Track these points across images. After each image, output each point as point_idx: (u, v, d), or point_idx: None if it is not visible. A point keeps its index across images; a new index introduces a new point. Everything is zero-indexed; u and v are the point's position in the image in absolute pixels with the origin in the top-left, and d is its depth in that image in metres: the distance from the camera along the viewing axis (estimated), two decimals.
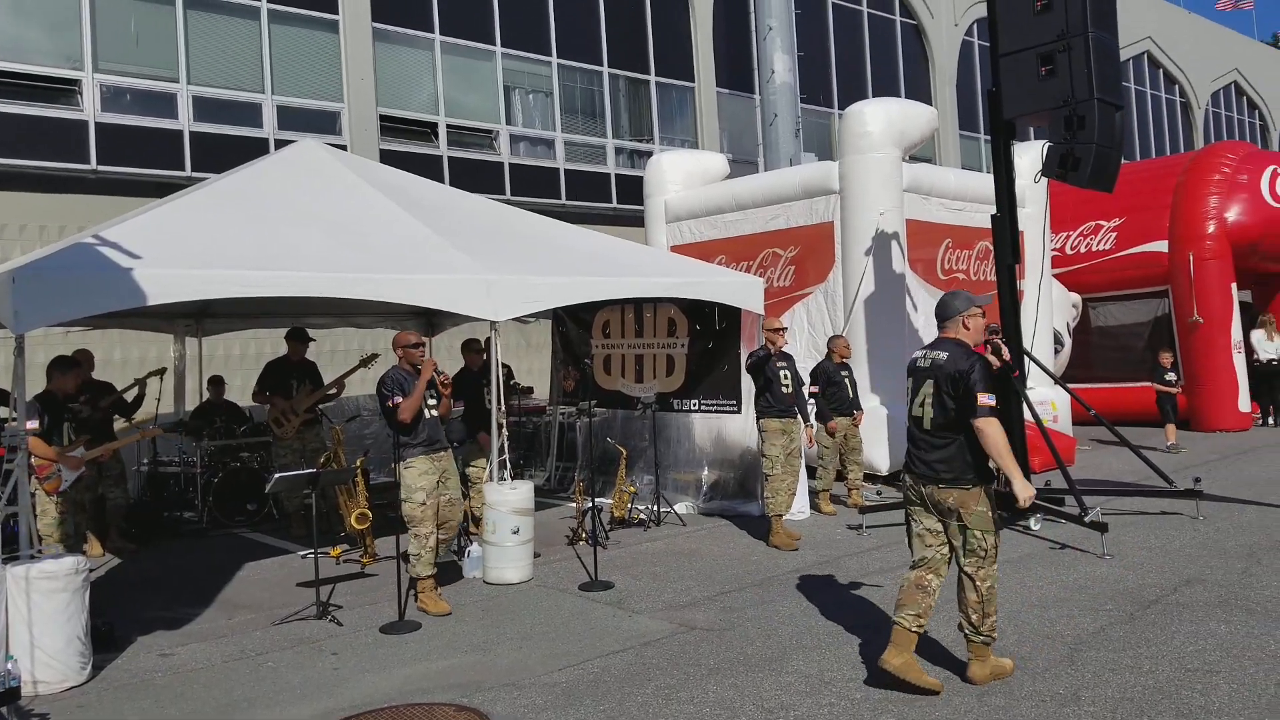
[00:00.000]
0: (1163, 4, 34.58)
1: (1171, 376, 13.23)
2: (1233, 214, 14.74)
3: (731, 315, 9.85)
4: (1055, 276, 14.21)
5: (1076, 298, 15.26)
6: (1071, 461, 11.19)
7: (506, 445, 7.75)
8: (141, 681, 5.50)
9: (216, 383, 10.95)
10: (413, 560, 6.66)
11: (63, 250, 6.64)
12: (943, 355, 4.97)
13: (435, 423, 6.88)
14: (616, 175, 19.78)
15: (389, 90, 16.81)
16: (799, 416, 8.69)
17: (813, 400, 9.76)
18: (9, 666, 5.02)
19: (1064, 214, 15.51)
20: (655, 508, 9.54)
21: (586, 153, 19.51)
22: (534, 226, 9.45)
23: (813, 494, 9.63)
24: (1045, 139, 8.69)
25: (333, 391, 9.93)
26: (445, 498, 6.88)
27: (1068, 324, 14.62)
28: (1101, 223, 15.96)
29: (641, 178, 14.21)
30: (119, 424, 9.50)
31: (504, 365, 10.65)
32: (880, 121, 11.08)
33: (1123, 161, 8.79)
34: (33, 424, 7.28)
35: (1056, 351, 13.59)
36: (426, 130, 17.31)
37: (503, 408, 7.73)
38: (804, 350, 11.28)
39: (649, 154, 18.24)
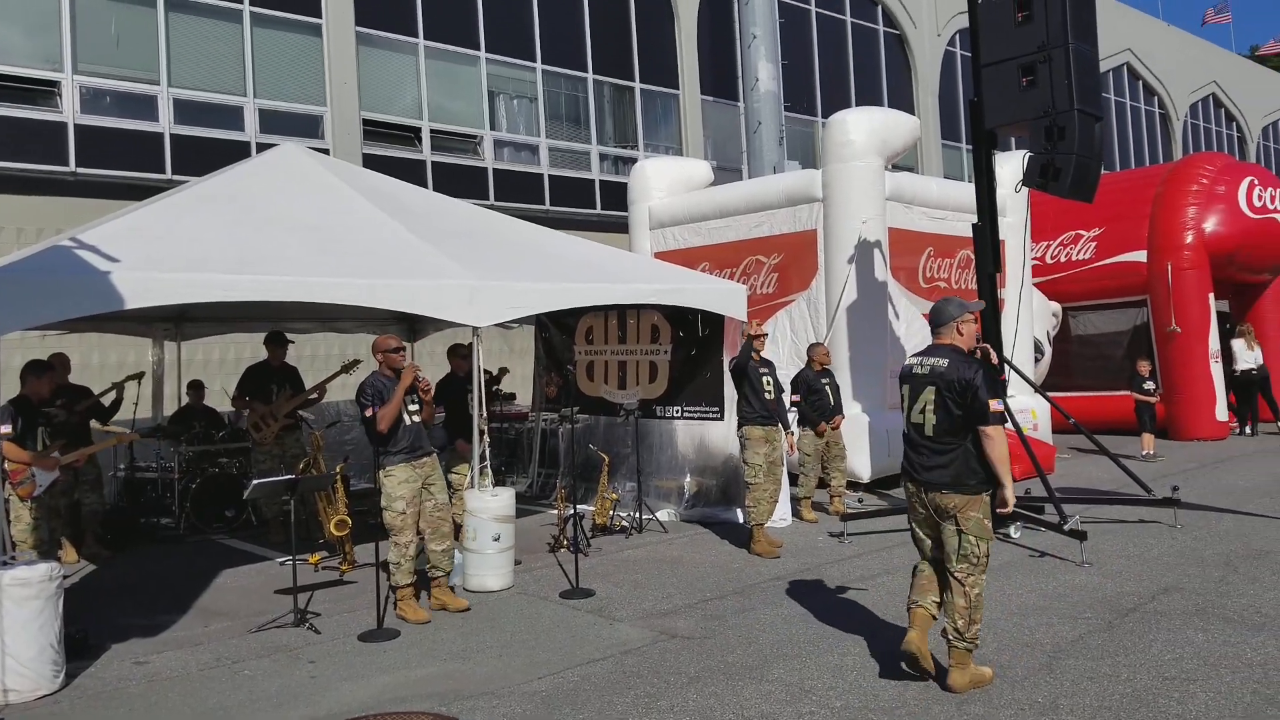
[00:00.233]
0: (1142, 16, 34.90)
1: (1150, 385, 13.31)
2: (1210, 224, 14.87)
3: (714, 322, 9.85)
4: (1036, 285, 14.29)
5: (1057, 306, 15.35)
6: (1051, 470, 11.23)
7: (488, 452, 7.72)
8: (116, 690, 5.44)
9: (195, 387, 10.88)
10: (393, 569, 6.62)
11: (40, 253, 6.58)
12: (943, 362, 5.01)
13: (417, 429, 6.79)
14: (601, 181, 19.79)
15: (372, 94, 16.76)
16: (780, 424, 8.69)
17: (795, 409, 9.78)
18: None
19: (1044, 223, 15.61)
20: (637, 515, 9.52)
21: (571, 159, 19.51)
22: (518, 232, 9.43)
23: (794, 501, 9.64)
24: (1026, 149, 8.74)
25: (313, 397, 9.87)
26: (430, 504, 6.76)
27: (1048, 332, 14.70)
28: (1081, 232, 16.06)
29: (626, 184, 14.22)
30: (95, 428, 9.42)
31: (498, 370, 10.64)
32: (863, 130, 11.13)
33: (1102, 172, 8.85)
34: (5, 428, 7.23)
35: (1037, 360, 13.67)
36: (410, 135, 17.27)
37: (484, 414, 7.69)
38: (787, 357, 11.31)
39: (633, 160, 18.25)
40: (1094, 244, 15.90)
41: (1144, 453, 12.83)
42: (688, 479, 10.16)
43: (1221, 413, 14.79)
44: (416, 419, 6.78)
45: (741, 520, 9.12)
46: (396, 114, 17.13)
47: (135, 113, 14.37)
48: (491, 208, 12.27)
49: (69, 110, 13.74)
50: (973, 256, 9.68)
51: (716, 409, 9.89)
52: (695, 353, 10.16)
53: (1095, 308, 16.09)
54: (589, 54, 19.82)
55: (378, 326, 11.97)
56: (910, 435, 5.16)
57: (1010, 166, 11.65)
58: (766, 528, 8.38)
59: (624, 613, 6.60)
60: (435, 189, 14.47)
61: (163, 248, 6.70)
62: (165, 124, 14.56)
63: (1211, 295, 14.94)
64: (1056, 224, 16.09)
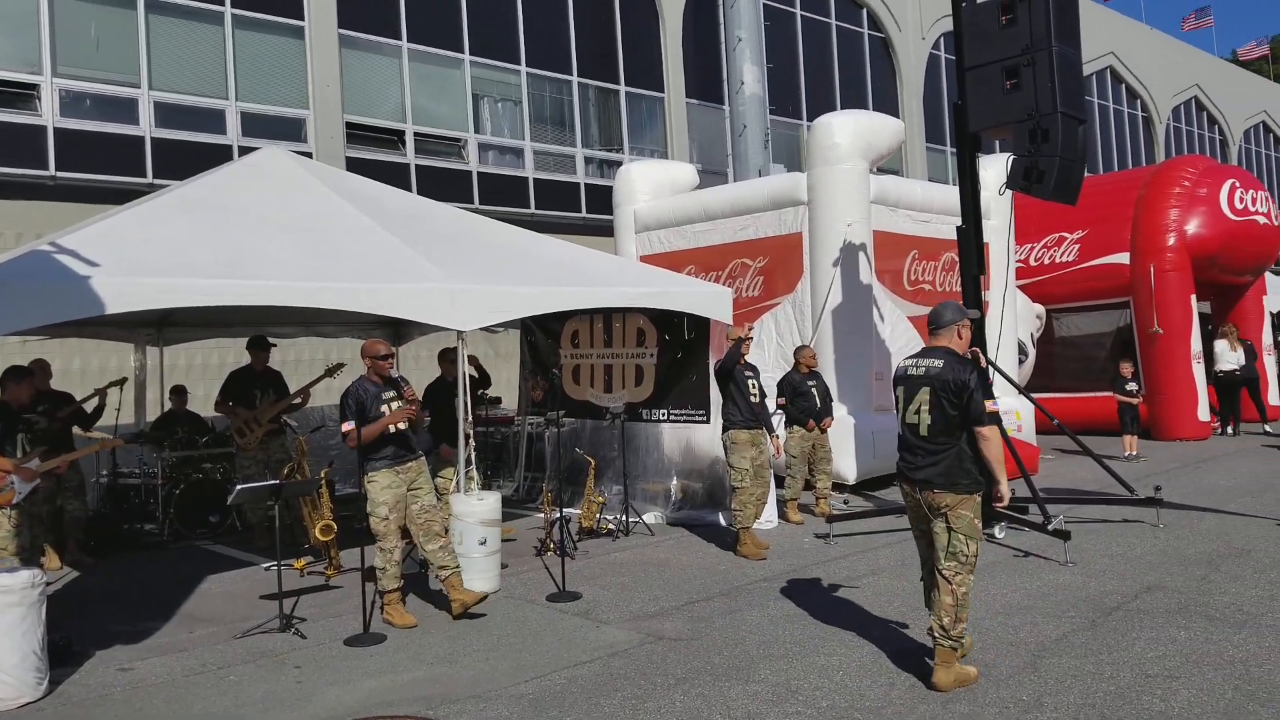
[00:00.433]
0: (1125, 20, 35.17)
1: (1133, 386, 13.38)
2: (1192, 227, 14.98)
3: (700, 325, 9.86)
4: (1020, 288, 14.36)
5: (1040, 308, 15.43)
6: (1035, 470, 11.30)
7: (474, 456, 7.70)
8: (100, 697, 5.41)
9: (178, 392, 10.81)
10: (379, 574, 6.59)
11: (20, 258, 6.54)
12: (938, 363, 5.09)
13: (403, 435, 6.71)
14: (586, 185, 19.79)
15: (356, 97, 16.72)
16: (765, 428, 8.68)
17: (780, 412, 9.79)
18: None
19: (1028, 226, 15.69)
20: (624, 518, 9.52)
21: (556, 162, 19.50)
22: (502, 236, 9.42)
23: (780, 503, 9.65)
24: (1010, 152, 8.78)
25: (297, 401, 9.83)
26: (416, 506, 6.69)
27: (1032, 334, 14.77)
28: (1065, 235, 16.16)
29: (611, 187, 14.22)
30: (78, 434, 9.36)
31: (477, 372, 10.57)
32: (848, 133, 11.16)
33: (1085, 174, 8.89)
34: None
35: (1021, 362, 13.73)
36: (394, 138, 17.24)
37: (469, 418, 7.67)
38: (773, 360, 11.32)
39: (618, 164, 18.26)
40: (1077, 246, 16.00)
41: (1126, 453, 12.91)
42: (674, 482, 10.16)
43: (1203, 413, 14.89)
44: (402, 426, 6.71)
45: (727, 523, 9.12)
46: (380, 117, 17.10)
47: (116, 116, 14.30)
48: (476, 211, 12.23)
49: (48, 113, 13.66)
50: (957, 259, 9.71)
51: (702, 412, 9.90)
52: (681, 356, 10.17)
53: (1078, 309, 16.20)
54: (574, 57, 19.83)
55: (362, 331, 11.94)
56: (905, 436, 5.22)
57: (994, 169, 11.70)
58: (753, 529, 8.38)
59: (611, 615, 6.60)
60: (419, 193, 14.43)
61: (144, 252, 6.66)
62: (146, 127, 14.49)
63: (1193, 297, 15.06)
64: (1040, 226, 16.18)
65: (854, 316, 11.15)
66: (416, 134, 17.41)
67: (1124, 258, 15.33)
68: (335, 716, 4.97)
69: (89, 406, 9.41)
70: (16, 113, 13.44)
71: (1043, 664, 5.22)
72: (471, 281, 7.60)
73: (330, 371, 9.82)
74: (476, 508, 7.28)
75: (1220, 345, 15.51)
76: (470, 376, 9.97)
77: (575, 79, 19.82)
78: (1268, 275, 17.71)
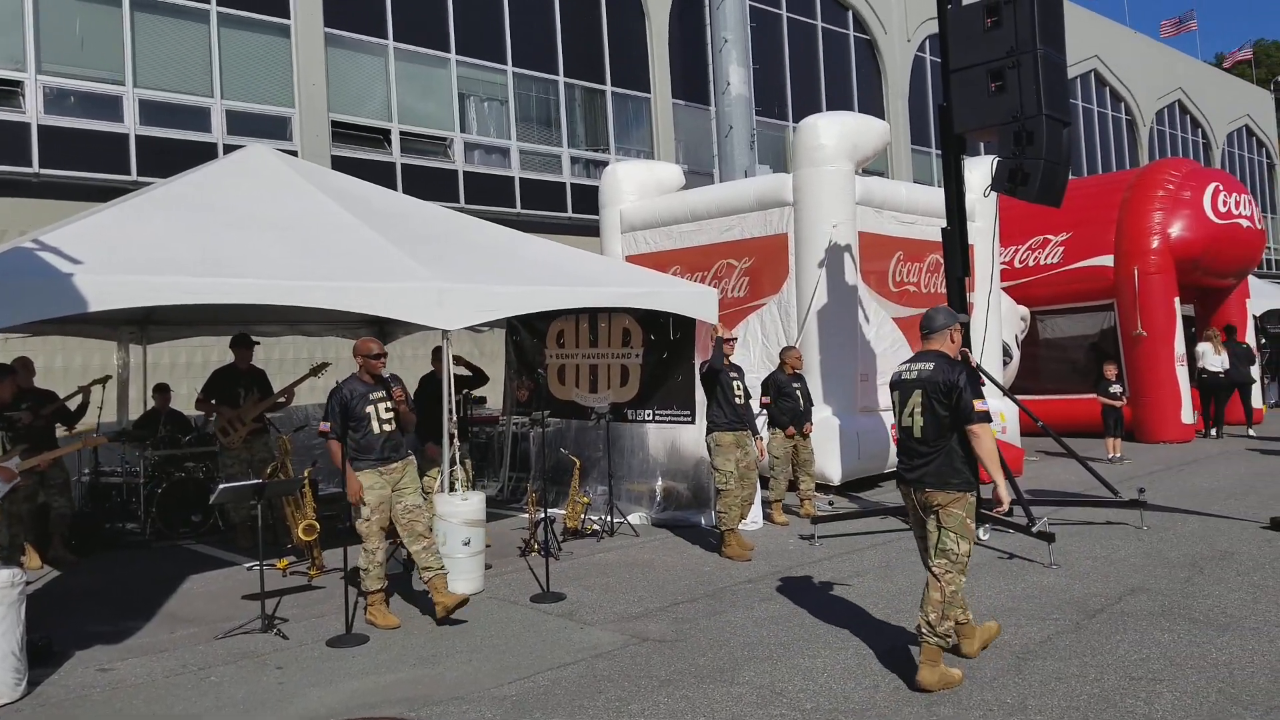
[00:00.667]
0: (1109, 24, 35.35)
1: (1116, 389, 13.43)
2: (1176, 230, 15.05)
3: (686, 326, 9.85)
4: (1004, 289, 14.41)
5: (1025, 310, 15.48)
6: (1020, 472, 11.33)
7: (459, 455, 7.66)
8: (79, 697, 5.36)
9: (161, 391, 10.74)
10: (362, 574, 6.56)
11: (2, 255, 6.49)
12: (929, 366, 5.22)
13: (390, 437, 6.64)
14: (572, 185, 19.77)
15: (341, 96, 16.66)
16: (749, 429, 8.66)
17: (764, 411, 9.79)
18: None
19: (1013, 228, 15.74)
20: (609, 518, 9.50)
21: (542, 162, 19.48)
22: (488, 235, 9.39)
23: (765, 504, 9.64)
24: (995, 154, 8.80)
25: (281, 400, 9.78)
26: (400, 506, 6.61)
27: (1016, 336, 14.82)
28: (1049, 237, 16.22)
29: (597, 187, 14.20)
30: (61, 432, 9.29)
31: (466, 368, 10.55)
32: (834, 135, 11.18)
33: (1070, 177, 8.92)
34: None
35: (1005, 363, 13.77)
36: (379, 137, 17.18)
37: (455, 418, 7.64)
38: (758, 360, 11.33)
39: (604, 164, 18.24)
40: (1062, 248, 16.06)
41: (1110, 456, 12.96)
42: (659, 482, 10.15)
43: (1187, 416, 14.97)
44: (388, 428, 6.65)
45: (712, 524, 9.10)
46: (366, 116, 17.04)
47: (100, 113, 14.21)
48: (462, 211, 12.20)
49: (32, 111, 13.56)
50: (942, 261, 9.74)
51: (688, 412, 9.89)
52: (667, 356, 10.16)
53: (1063, 311, 16.26)
54: (560, 57, 19.81)
55: (347, 330, 11.90)
56: (902, 439, 5.37)
57: (979, 171, 11.73)
58: (738, 531, 8.38)
59: (595, 616, 6.58)
60: (405, 192, 14.39)
61: (127, 250, 6.62)
62: (131, 125, 14.40)
63: (1177, 299, 15.13)
64: (1024, 229, 16.24)
65: (839, 318, 11.17)
66: (402, 133, 17.36)
67: (1108, 260, 15.39)
68: (317, 718, 4.94)
69: (73, 404, 9.34)
70: (0, 109, 13.33)
71: (1027, 666, 5.23)
72: (457, 280, 7.57)
73: (315, 371, 9.78)
74: (460, 508, 7.25)
75: (1204, 347, 15.59)
76: (464, 375, 9.98)
77: (561, 79, 19.80)
78: (1251, 278, 17.82)
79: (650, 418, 10.31)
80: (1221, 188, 15.49)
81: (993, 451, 5.08)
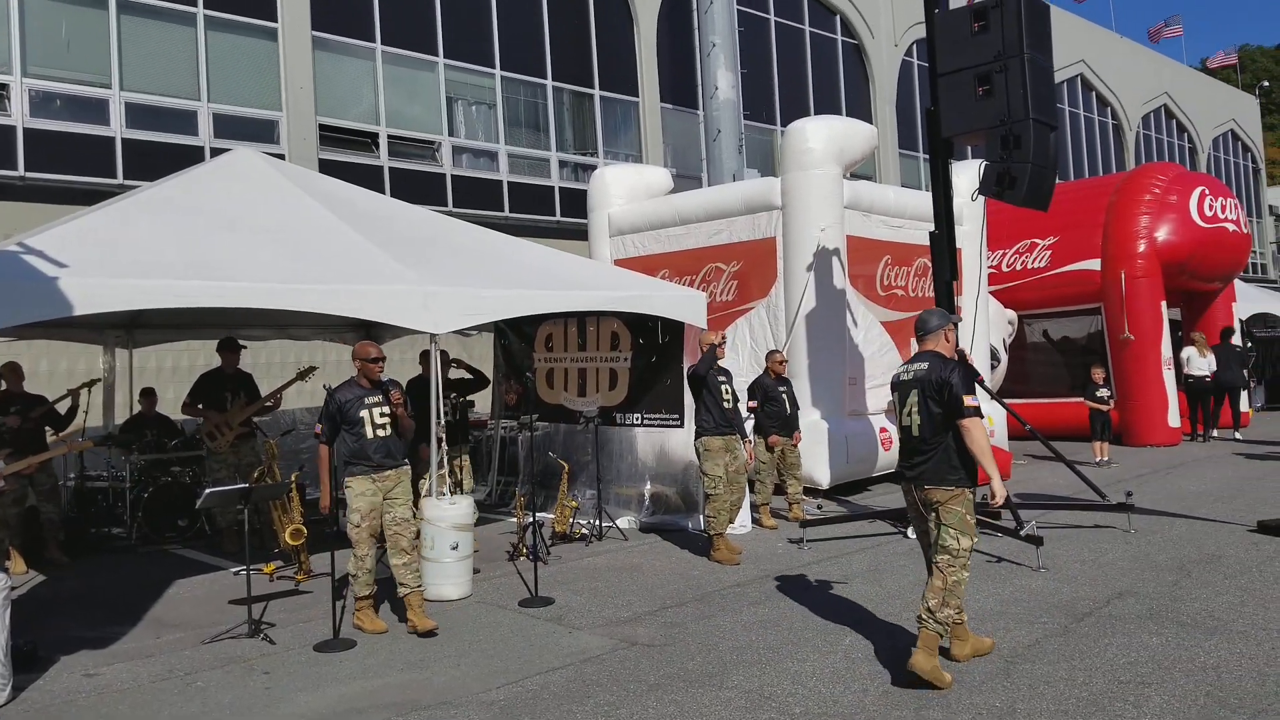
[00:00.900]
0: (1096, 28, 35.52)
1: (1104, 392, 13.48)
2: (1163, 233, 15.12)
3: (674, 329, 9.85)
4: (992, 293, 14.44)
5: (1012, 314, 15.53)
6: (1008, 476, 11.36)
7: (448, 459, 7.64)
8: (65, 703, 5.32)
9: (148, 395, 10.68)
10: (351, 580, 6.53)
11: None
12: (923, 366, 5.38)
13: (384, 443, 6.57)
14: (560, 188, 19.76)
15: (328, 99, 16.62)
16: (739, 433, 8.64)
17: (751, 415, 9.78)
18: None
19: (1000, 232, 15.80)
20: (597, 522, 9.49)
21: (530, 165, 19.46)
22: (476, 238, 9.38)
23: (754, 508, 9.64)
24: (982, 158, 8.83)
25: (268, 405, 9.74)
26: (389, 516, 6.53)
27: (1004, 340, 14.86)
28: (1037, 241, 16.27)
29: (585, 191, 14.19)
30: (50, 436, 9.23)
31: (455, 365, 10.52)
32: (822, 138, 11.20)
33: (1057, 181, 8.95)
34: None
35: (993, 367, 13.81)
36: (367, 140, 17.14)
37: (442, 422, 7.62)
38: (746, 364, 11.33)
39: (593, 167, 18.23)
40: (1049, 252, 16.11)
41: (1098, 459, 12.99)
42: (648, 486, 10.14)
43: (1174, 419, 15.02)
44: (383, 434, 6.57)
45: (700, 529, 9.09)
46: (353, 119, 17.00)
47: (86, 116, 14.15)
48: (450, 214, 12.17)
49: (18, 114, 13.49)
50: (930, 264, 9.75)
51: (676, 416, 9.89)
52: (655, 360, 10.16)
53: (1050, 315, 16.32)
54: (548, 60, 19.80)
55: (334, 334, 11.86)
56: (902, 438, 5.51)
57: (967, 175, 11.74)
58: (726, 535, 8.37)
59: (583, 621, 6.57)
60: (393, 195, 14.34)
61: (113, 253, 6.59)
62: (117, 128, 14.34)
63: (1164, 303, 15.19)
64: (1012, 232, 16.30)
65: (827, 321, 11.18)
66: (390, 136, 17.32)
67: (1095, 264, 15.45)
68: None
69: (62, 408, 9.30)
70: None
71: (1016, 670, 5.24)
72: (445, 284, 7.55)
73: (302, 375, 9.74)
74: (449, 512, 7.23)
75: (1189, 351, 15.66)
76: (464, 379, 9.96)
77: (550, 83, 19.80)
78: (1237, 282, 17.91)
79: (639, 422, 10.30)
80: (1208, 192, 15.56)
81: (984, 445, 5.15)
